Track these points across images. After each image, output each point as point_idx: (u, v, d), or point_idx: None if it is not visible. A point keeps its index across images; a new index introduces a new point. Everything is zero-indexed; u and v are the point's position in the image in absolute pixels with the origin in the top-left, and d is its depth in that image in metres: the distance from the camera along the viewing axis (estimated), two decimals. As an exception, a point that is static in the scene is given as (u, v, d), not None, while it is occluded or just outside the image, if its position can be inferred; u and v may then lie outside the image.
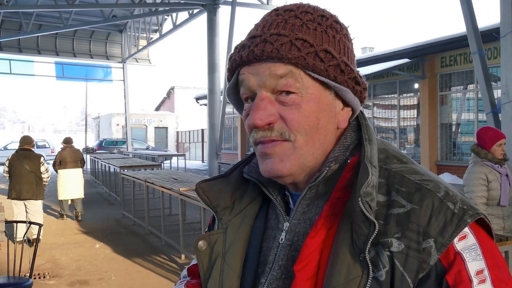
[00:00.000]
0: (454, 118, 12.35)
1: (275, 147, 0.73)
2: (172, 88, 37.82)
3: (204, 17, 13.19)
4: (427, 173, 0.73)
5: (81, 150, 9.54)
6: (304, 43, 0.72)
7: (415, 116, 13.36)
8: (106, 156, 15.21)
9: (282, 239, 0.77)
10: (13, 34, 17.50)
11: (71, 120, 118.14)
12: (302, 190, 0.77)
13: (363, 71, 11.72)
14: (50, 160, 15.22)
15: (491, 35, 6.59)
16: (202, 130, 27.28)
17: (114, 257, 6.17)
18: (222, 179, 0.87)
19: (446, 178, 11.27)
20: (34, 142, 7.44)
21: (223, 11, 13.14)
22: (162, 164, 13.40)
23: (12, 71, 19.61)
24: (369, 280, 0.65)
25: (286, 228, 0.77)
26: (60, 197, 8.73)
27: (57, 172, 8.75)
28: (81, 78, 21.78)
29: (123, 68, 21.23)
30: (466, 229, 0.66)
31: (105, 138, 28.77)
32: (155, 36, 19.17)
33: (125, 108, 21.60)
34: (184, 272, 0.99)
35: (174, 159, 19.86)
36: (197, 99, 24.72)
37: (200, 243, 0.83)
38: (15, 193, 6.71)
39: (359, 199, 0.66)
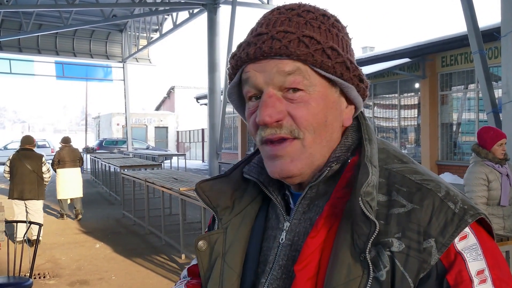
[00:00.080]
0: (454, 117, 12.34)
1: (286, 148, 0.72)
2: (173, 88, 37.83)
3: (204, 16, 13.19)
4: (427, 173, 0.73)
5: (79, 150, 9.53)
6: (311, 40, 0.72)
7: (416, 115, 13.35)
8: (106, 155, 15.21)
9: (282, 239, 0.77)
10: (13, 34, 17.50)
11: (71, 119, 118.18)
12: (303, 189, 0.77)
13: (364, 70, 11.66)
14: (49, 159, 15.22)
15: (492, 35, 6.59)
16: (203, 130, 27.29)
17: (114, 257, 6.17)
18: (222, 179, 0.87)
19: (447, 178, 11.26)
20: (35, 142, 7.42)
21: (224, 11, 13.16)
22: (162, 164, 13.39)
23: (12, 70, 19.61)
24: (369, 280, 0.65)
25: (287, 228, 0.77)
26: (59, 197, 8.73)
27: (55, 171, 8.75)
28: (81, 78, 21.76)
29: (123, 67, 21.23)
30: (467, 229, 0.66)
31: (105, 138, 28.76)
32: (155, 35, 19.17)
33: (125, 107, 21.60)
34: (184, 272, 0.99)
35: (175, 158, 19.86)
36: (198, 98, 24.73)
37: (200, 243, 0.83)
38: (17, 193, 6.68)
39: (360, 198, 0.66)
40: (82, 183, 8.99)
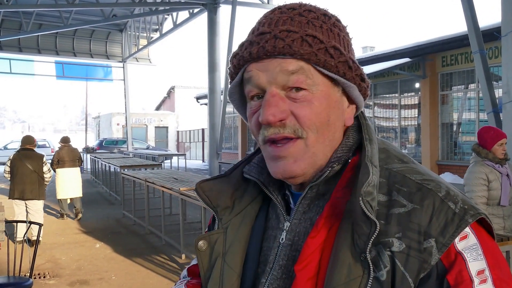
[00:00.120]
0: (455, 117, 12.34)
1: (289, 148, 0.72)
2: (173, 88, 37.82)
3: (204, 16, 13.19)
4: (428, 173, 0.73)
5: (78, 149, 9.53)
6: (314, 39, 0.72)
7: (416, 115, 13.35)
8: (107, 155, 15.21)
9: (282, 238, 0.77)
10: (13, 34, 17.50)
11: (71, 119, 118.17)
12: (304, 189, 0.77)
13: (364, 70, 11.64)
14: (48, 159, 15.21)
15: (492, 34, 6.58)
16: (203, 130, 27.28)
17: (114, 256, 6.16)
18: (222, 179, 0.87)
19: (447, 177, 11.26)
20: (36, 142, 7.42)
21: (224, 10, 13.17)
22: (163, 164, 13.39)
23: (12, 70, 19.60)
24: (370, 280, 0.65)
25: (287, 228, 0.77)
26: (59, 196, 8.73)
27: (55, 171, 8.75)
28: (81, 78, 21.75)
29: (123, 67, 21.23)
30: (467, 229, 0.66)
31: (106, 138, 28.75)
32: (156, 35, 19.16)
33: (126, 107, 21.61)
34: (184, 272, 0.99)
35: (175, 158, 19.86)
36: (198, 98, 24.73)
37: (200, 243, 0.83)
38: (18, 193, 6.65)
39: (360, 198, 0.66)
40: (81, 183, 9.00)
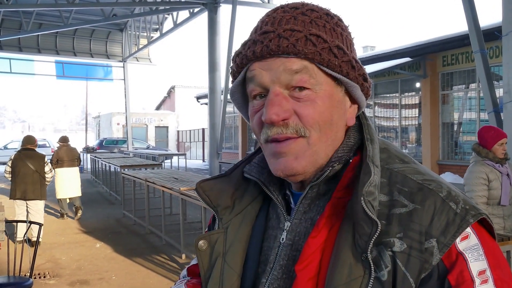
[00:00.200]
0: (455, 117, 12.34)
1: (290, 145, 0.72)
2: (173, 87, 37.84)
3: (204, 16, 13.19)
4: (429, 173, 0.73)
5: (77, 149, 9.53)
6: (318, 38, 0.71)
7: (417, 115, 13.35)
8: (107, 155, 15.21)
9: (283, 238, 0.77)
10: (13, 33, 17.51)
11: (71, 119, 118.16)
12: (304, 189, 0.77)
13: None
14: (47, 159, 15.21)
15: (493, 34, 6.57)
16: (203, 130, 27.29)
17: (114, 256, 6.17)
18: (223, 179, 0.87)
19: (448, 177, 11.26)
20: (37, 142, 7.41)
21: (224, 10, 13.16)
22: (163, 164, 13.39)
23: (12, 70, 19.60)
24: (371, 280, 0.65)
25: (287, 228, 0.77)
26: (58, 196, 8.74)
27: (54, 171, 8.76)
28: (81, 77, 21.76)
29: (123, 67, 21.23)
30: (468, 229, 0.66)
31: (106, 138, 28.75)
32: (156, 35, 19.16)
33: (126, 107, 21.61)
34: (184, 272, 0.99)
35: (175, 158, 19.86)
36: (198, 98, 24.72)
37: (201, 242, 0.82)
38: (19, 193, 6.62)
39: (361, 198, 0.66)
40: (80, 182, 9.00)
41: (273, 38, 0.71)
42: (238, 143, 21.89)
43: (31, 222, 4.39)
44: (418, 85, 13.02)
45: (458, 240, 0.65)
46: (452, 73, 12.10)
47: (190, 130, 30.97)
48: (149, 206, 7.47)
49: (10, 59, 19.42)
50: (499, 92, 7.70)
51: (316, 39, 0.71)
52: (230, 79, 0.82)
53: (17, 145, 23.90)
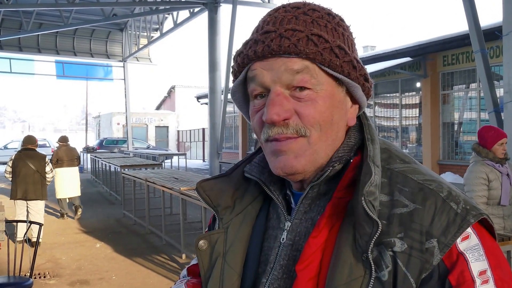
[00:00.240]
0: (456, 117, 12.33)
1: (290, 144, 0.72)
2: (173, 87, 37.83)
3: (205, 15, 13.19)
4: (429, 173, 0.73)
5: (77, 149, 9.53)
6: (320, 38, 0.71)
7: (417, 115, 13.35)
8: (107, 155, 15.21)
9: (283, 238, 0.77)
10: (13, 33, 17.50)
11: (71, 119, 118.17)
12: (305, 189, 0.77)
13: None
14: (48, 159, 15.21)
15: (493, 34, 6.57)
16: (203, 129, 27.28)
17: (114, 256, 6.17)
18: (223, 178, 0.87)
19: (448, 177, 11.26)
20: (37, 142, 7.41)
21: (224, 10, 13.14)
22: (163, 164, 13.39)
23: (12, 70, 19.59)
24: (371, 280, 0.65)
25: (288, 228, 0.77)
26: (58, 196, 8.75)
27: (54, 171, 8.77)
28: (81, 77, 21.74)
29: (123, 67, 21.22)
30: (469, 230, 0.66)
31: (106, 137, 28.74)
32: (156, 34, 19.15)
33: (126, 107, 21.59)
34: (184, 271, 0.99)
35: (175, 158, 19.87)
36: (198, 98, 24.71)
37: (201, 242, 0.82)
38: (20, 193, 6.60)
39: (362, 198, 0.66)
40: (79, 182, 9.01)
41: (274, 38, 0.71)
42: (239, 143, 21.88)
43: (31, 222, 4.39)
44: (418, 85, 13.02)
45: (458, 240, 0.65)
46: (452, 73, 12.09)
47: (190, 130, 30.96)
48: (149, 206, 7.47)
49: (10, 59, 19.42)
50: (500, 92, 7.69)
51: (318, 39, 0.71)
52: (231, 78, 0.82)
53: (17, 145, 23.92)
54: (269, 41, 0.71)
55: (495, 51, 10.20)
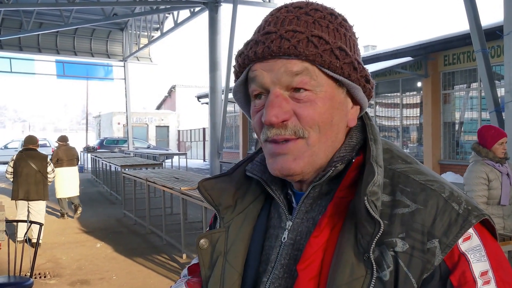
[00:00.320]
0: (457, 116, 12.33)
1: (289, 146, 0.72)
2: (174, 87, 37.84)
3: (205, 15, 13.19)
4: (431, 174, 0.73)
5: (76, 148, 9.54)
6: (320, 40, 0.71)
7: (418, 114, 13.34)
8: (107, 155, 15.21)
9: (284, 238, 0.77)
10: (13, 33, 17.51)
11: (72, 118, 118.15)
12: (306, 189, 0.77)
13: (365, 69, 11.67)
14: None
15: (494, 33, 6.58)
16: (204, 129, 27.27)
17: (115, 256, 6.17)
18: (225, 178, 0.87)
19: (449, 177, 11.26)
20: (39, 142, 7.40)
21: (225, 9, 13.14)
22: (163, 163, 13.40)
23: (13, 69, 19.60)
24: (373, 280, 0.65)
25: (289, 227, 0.77)
26: (58, 195, 8.76)
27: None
28: (82, 77, 21.76)
29: (124, 66, 21.24)
30: (471, 230, 0.66)
31: (106, 137, 28.75)
32: (156, 34, 19.16)
33: (126, 106, 21.61)
34: (185, 271, 0.99)
35: (176, 158, 19.88)
36: (199, 97, 24.71)
37: (202, 241, 0.82)
38: (22, 194, 6.57)
39: (365, 198, 0.66)
40: (79, 182, 9.02)
41: (274, 39, 0.71)
42: (239, 142, 21.88)
43: (31, 222, 4.39)
44: (419, 84, 13.01)
45: (460, 240, 0.65)
46: (453, 73, 12.08)
47: (190, 130, 30.97)
48: (149, 205, 7.47)
49: (10, 58, 19.43)
50: (501, 92, 7.68)
51: (318, 41, 0.71)
52: (232, 78, 0.82)
53: (18, 145, 23.95)
54: (269, 42, 0.71)
55: (496, 51, 10.20)
